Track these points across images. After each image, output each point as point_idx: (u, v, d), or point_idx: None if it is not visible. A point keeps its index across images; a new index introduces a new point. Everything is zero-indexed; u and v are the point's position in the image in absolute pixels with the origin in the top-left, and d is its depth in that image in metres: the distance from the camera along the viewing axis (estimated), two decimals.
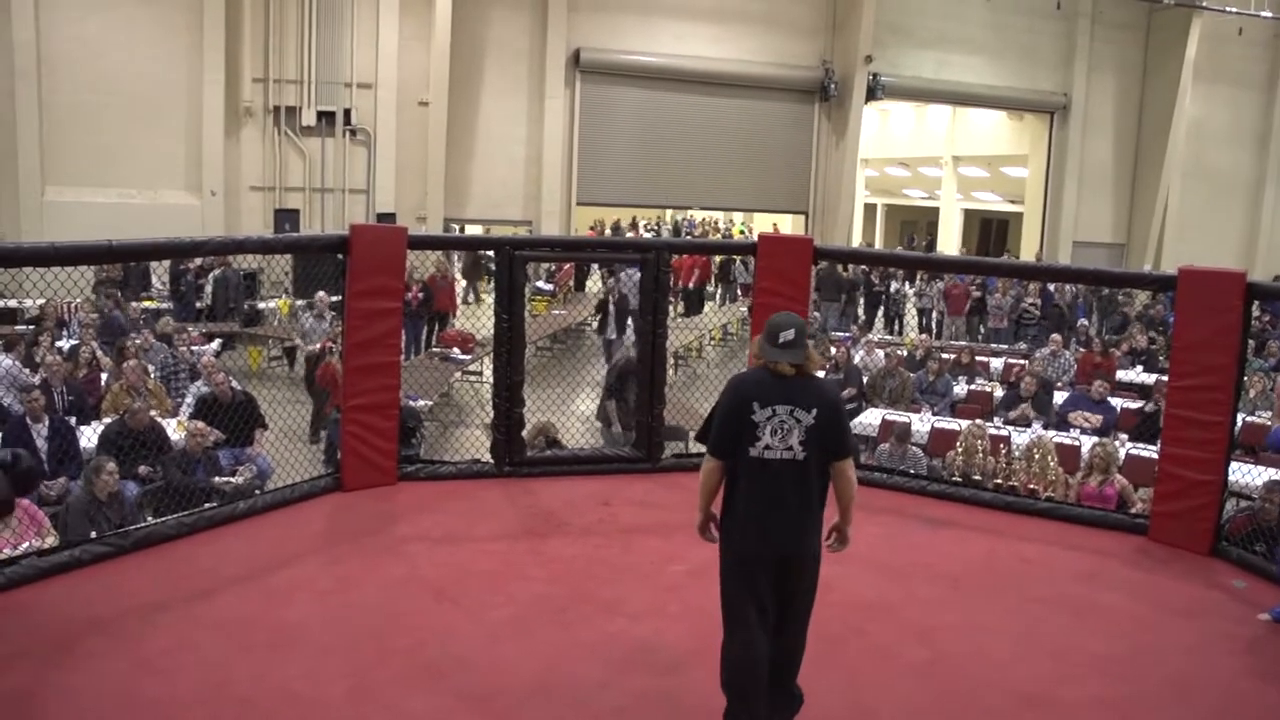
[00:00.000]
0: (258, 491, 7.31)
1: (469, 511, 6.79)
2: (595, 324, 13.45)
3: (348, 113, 19.29)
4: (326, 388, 9.96)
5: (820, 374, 4.20)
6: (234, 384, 9.07)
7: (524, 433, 7.67)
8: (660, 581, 5.74)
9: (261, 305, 16.57)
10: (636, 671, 4.71)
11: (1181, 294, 6.74)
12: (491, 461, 7.61)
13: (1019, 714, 4.52)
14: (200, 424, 7.97)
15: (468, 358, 13.25)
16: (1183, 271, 6.86)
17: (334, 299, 13.71)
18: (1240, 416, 8.00)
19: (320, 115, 19.14)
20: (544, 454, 7.96)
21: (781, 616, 4.05)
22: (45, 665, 4.54)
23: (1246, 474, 8.02)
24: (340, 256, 6.95)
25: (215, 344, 13.09)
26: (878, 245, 32.35)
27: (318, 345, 11.39)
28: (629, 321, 11.54)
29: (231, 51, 18.26)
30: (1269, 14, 24.21)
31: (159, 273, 16.73)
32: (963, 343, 15.82)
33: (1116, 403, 10.89)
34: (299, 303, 16.20)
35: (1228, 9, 23.79)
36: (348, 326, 6.99)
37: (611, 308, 14.09)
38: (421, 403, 10.11)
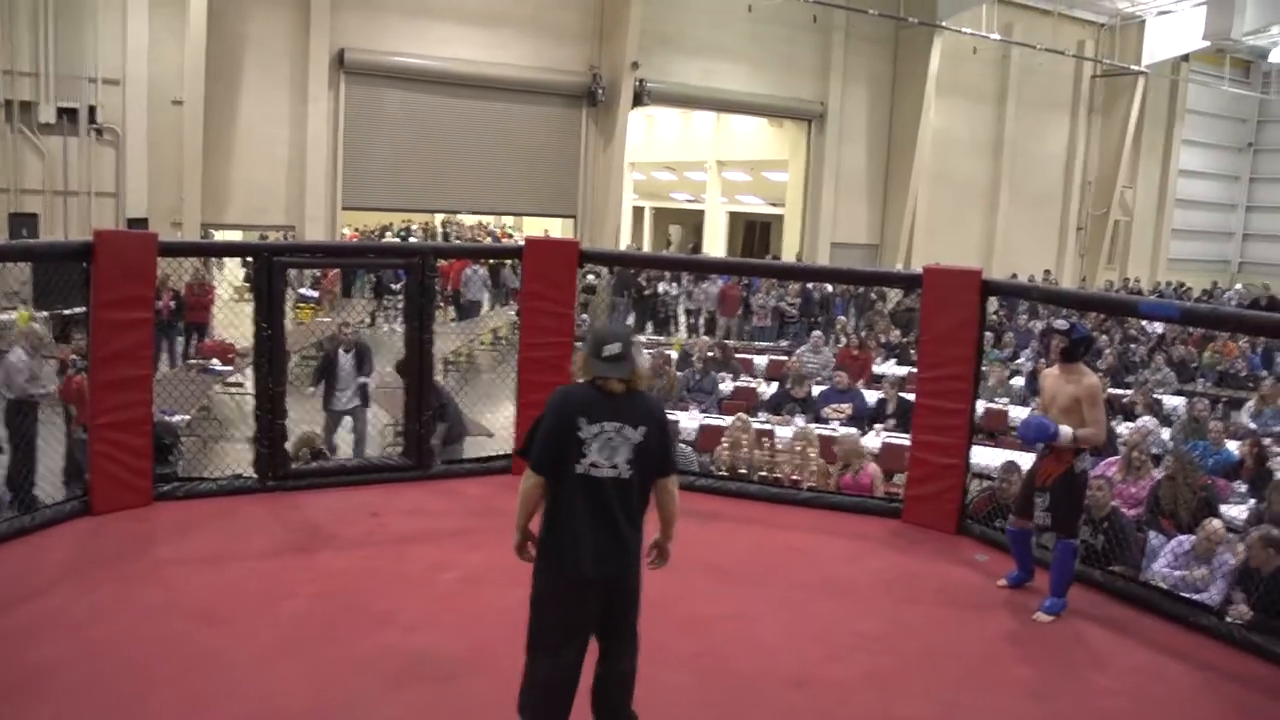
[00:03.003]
0: None
1: (232, 529, 6.52)
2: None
3: (92, 110, 18.09)
4: (71, 404, 9.35)
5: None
6: None
7: (288, 444, 7.45)
8: (433, 590, 5.68)
9: None
10: (412, 683, 4.66)
11: (926, 291, 7.21)
12: (255, 476, 7.35)
13: (788, 696, 4.74)
14: None
15: (228, 369, 12.72)
16: (927, 270, 7.34)
17: (78, 310, 12.91)
18: (980, 403, 8.61)
19: (61, 112, 17.87)
20: (309, 466, 7.75)
21: (611, 641, 3.96)
22: None
23: (986, 456, 8.65)
24: (85, 265, 6.56)
25: None
26: (646, 248, 32.95)
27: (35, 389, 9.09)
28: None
29: None
30: (997, 36, 26.34)
31: None
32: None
33: (870, 394, 11.50)
34: (39, 314, 15.16)
35: (963, 29, 25.63)
36: (94, 339, 6.58)
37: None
38: (178, 417, 9.64)
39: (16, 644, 4.88)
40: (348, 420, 10.10)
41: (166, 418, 8.55)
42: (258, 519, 6.74)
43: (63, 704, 4.38)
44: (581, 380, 3.91)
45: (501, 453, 8.06)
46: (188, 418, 10.28)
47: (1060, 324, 5.91)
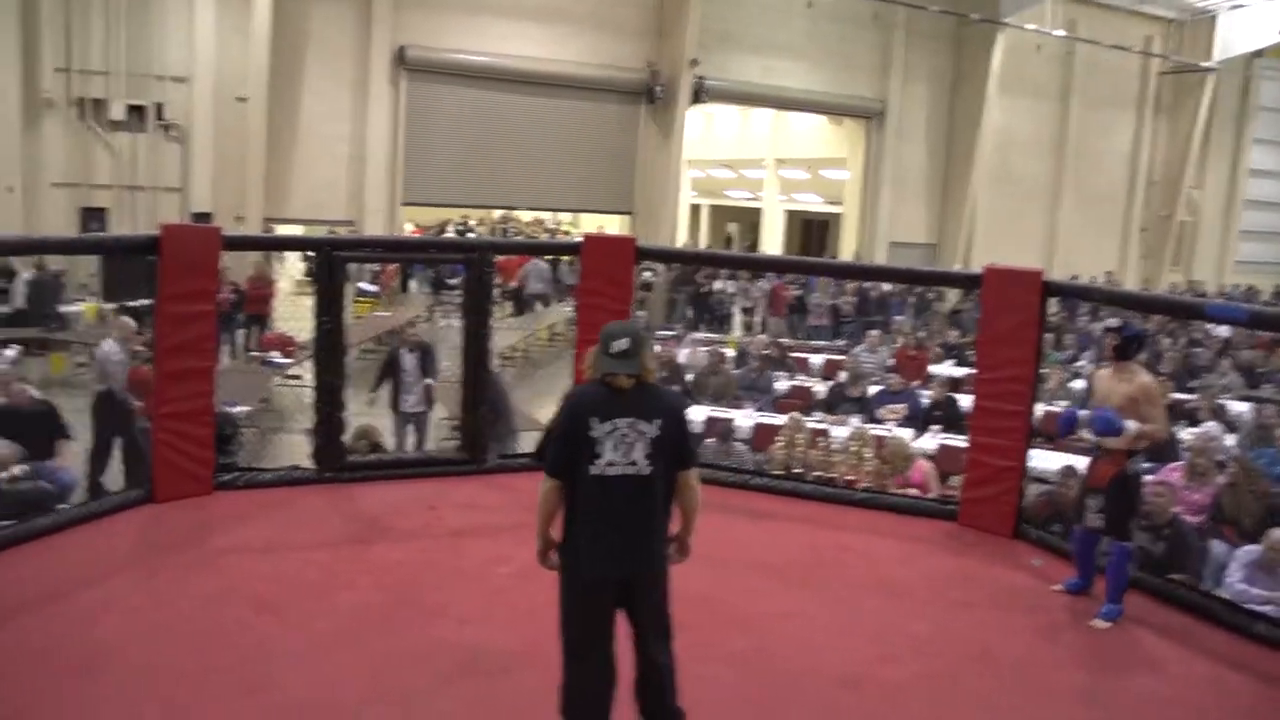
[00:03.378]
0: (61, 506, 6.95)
1: (290, 520, 6.63)
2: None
3: (160, 107, 18.42)
4: (136, 393, 9.53)
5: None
6: (33, 392, 8.59)
7: (346, 437, 7.54)
8: (488, 585, 5.73)
9: (65, 309, 15.73)
10: (465, 676, 4.70)
11: (985, 292, 7.14)
12: (313, 467, 7.45)
13: (838, 695, 4.72)
14: None
15: (288, 361, 12.90)
16: (987, 270, 7.26)
17: (144, 302, 13.16)
18: (1039, 406, 8.49)
19: (131, 109, 18.21)
20: (367, 458, 7.84)
21: (642, 637, 3.93)
22: None
23: (1045, 460, 8.53)
24: (151, 258, 6.69)
25: (12, 351, 12.37)
26: (703, 245, 32.88)
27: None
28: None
29: (28, 37, 17.19)
30: (1061, 32, 25.92)
31: None
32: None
33: (926, 395, 11.38)
34: (107, 307, 15.50)
35: (1026, 26, 25.24)
36: (158, 331, 6.73)
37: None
38: (239, 408, 9.80)
39: (83, 624, 5.03)
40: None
41: (228, 409, 8.68)
42: (315, 510, 6.84)
43: (124, 683, 4.50)
44: (592, 379, 3.89)
45: None
46: (248, 409, 10.45)
47: (1112, 322, 5.85)
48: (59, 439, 8.43)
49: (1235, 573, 6.32)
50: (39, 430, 8.20)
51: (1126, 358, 5.75)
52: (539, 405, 11.21)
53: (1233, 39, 28.78)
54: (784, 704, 4.62)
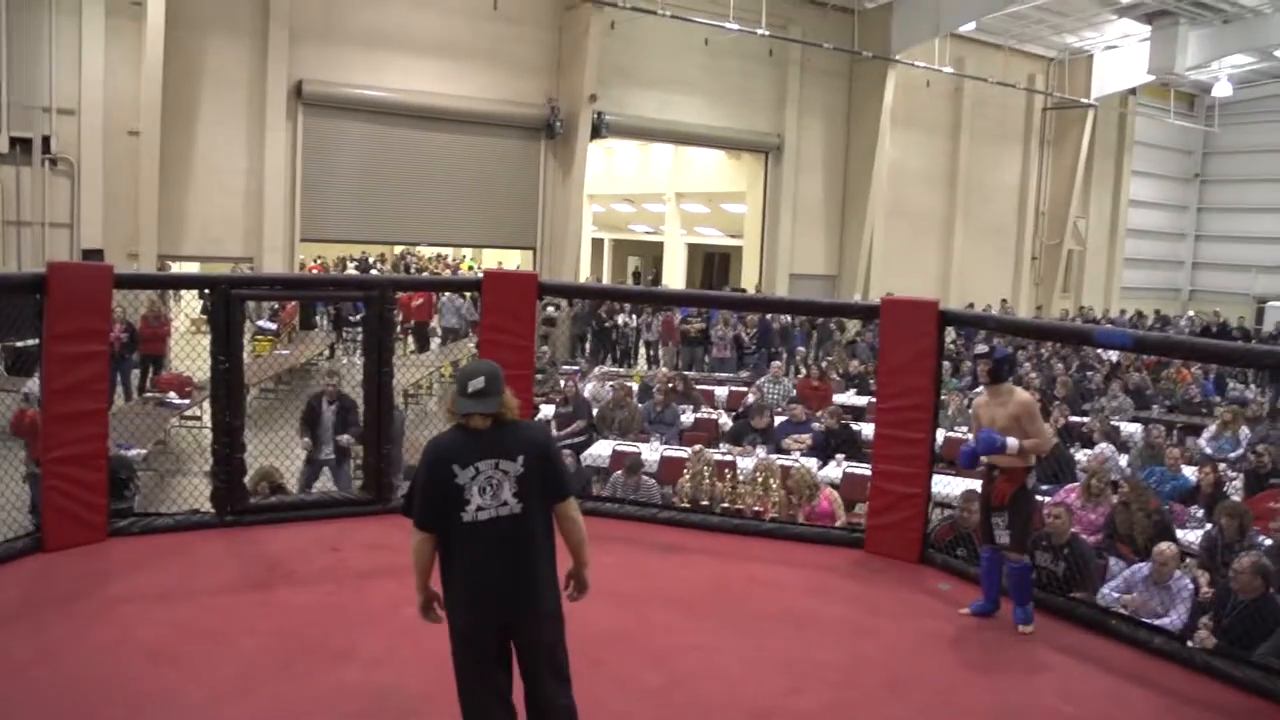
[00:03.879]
0: None
1: (188, 566, 6.42)
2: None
3: (47, 140, 17.86)
4: (23, 437, 9.18)
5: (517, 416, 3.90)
6: None
7: (246, 479, 7.35)
8: (394, 626, 5.60)
9: None
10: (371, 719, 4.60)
11: (884, 322, 7.27)
12: (213, 511, 7.24)
13: None
14: None
15: (185, 402, 12.55)
16: (885, 301, 7.40)
17: (31, 343, 12.70)
18: (940, 432, 8.66)
19: (14, 141, 17.61)
20: (268, 500, 7.65)
21: (536, 682, 3.83)
22: None
23: (947, 485, 8.69)
24: (38, 297, 6.46)
25: None
26: (606, 279, 32.98)
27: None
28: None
29: None
30: (949, 69, 26.79)
31: None
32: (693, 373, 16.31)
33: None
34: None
35: (916, 63, 26.00)
36: (46, 372, 6.49)
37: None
38: (134, 451, 9.49)
39: None
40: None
41: (122, 452, 8.41)
42: (215, 555, 6.65)
43: None
44: (451, 423, 3.80)
45: None
46: (144, 451, 10.13)
47: (981, 348, 6.04)
48: None
49: (1111, 583, 6.59)
50: None
51: (1000, 380, 5.95)
52: None
53: (1108, 77, 30.11)
54: None
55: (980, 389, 6.19)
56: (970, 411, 12.06)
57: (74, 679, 4.88)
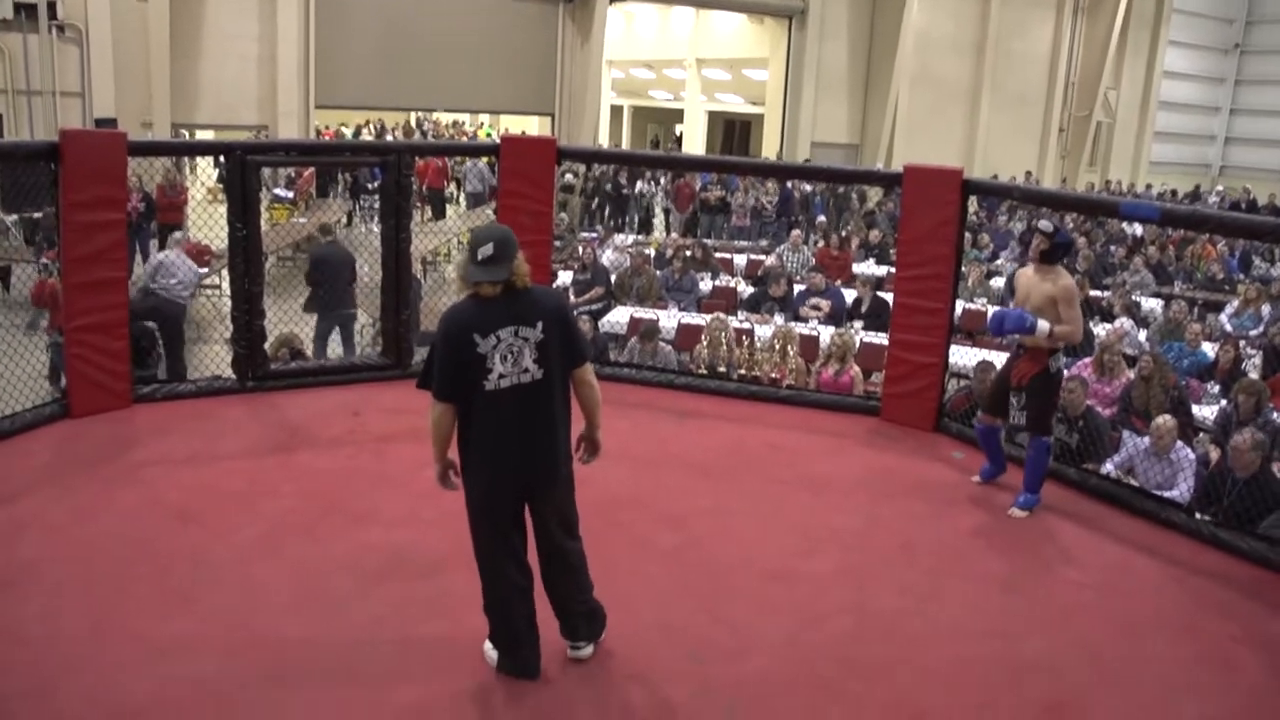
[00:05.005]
0: None
1: (211, 430, 6.52)
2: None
3: (52, 6, 17.53)
4: (44, 307, 9.27)
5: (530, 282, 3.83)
6: None
7: (266, 345, 7.42)
8: (414, 488, 5.70)
9: None
10: (393, 579, 4.71)
11: (907, 190, 7.17)
12: (234, 377, 7.33)
13: (765, 588, 4.81)
14: None
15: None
16: (908, 169, 7.29)
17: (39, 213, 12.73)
18: (959, 303, 8.63)
19: (18, 8, 17.30)
20: (288, 366, 7.73)
21: (547, 532, 3.90)
22: None
23: (964, 356, 8.71)
24: (51, 165, 6.43)
25: None
26: (625, 146, 32.57)
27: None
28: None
29: None
30: None
31: None
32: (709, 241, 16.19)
33: (849, 292, 11.49)
34: (7, 218, 14.93)
35: None
36: (64, 241, 6.49)
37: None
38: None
39: (3, 543, 4.92)
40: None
41: (144, 320, 8.48)
42: (237, 420, 6.75)
43: (48, 600, 4.43)
44: (465, 292, 3.75)
45: None
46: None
47: (1045, 225, 5.87)
48: None
49: (1115, 458, 6.71)
50: None
51: (1053, 261, 5.82)
52: None
53: None
54: (719, 597, 4.70)
55: (1028, 264, 6.05)
56: (1001, 285, 12.26)
57: (107, 538, 5.02)
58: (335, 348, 9.78)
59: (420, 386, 3.83)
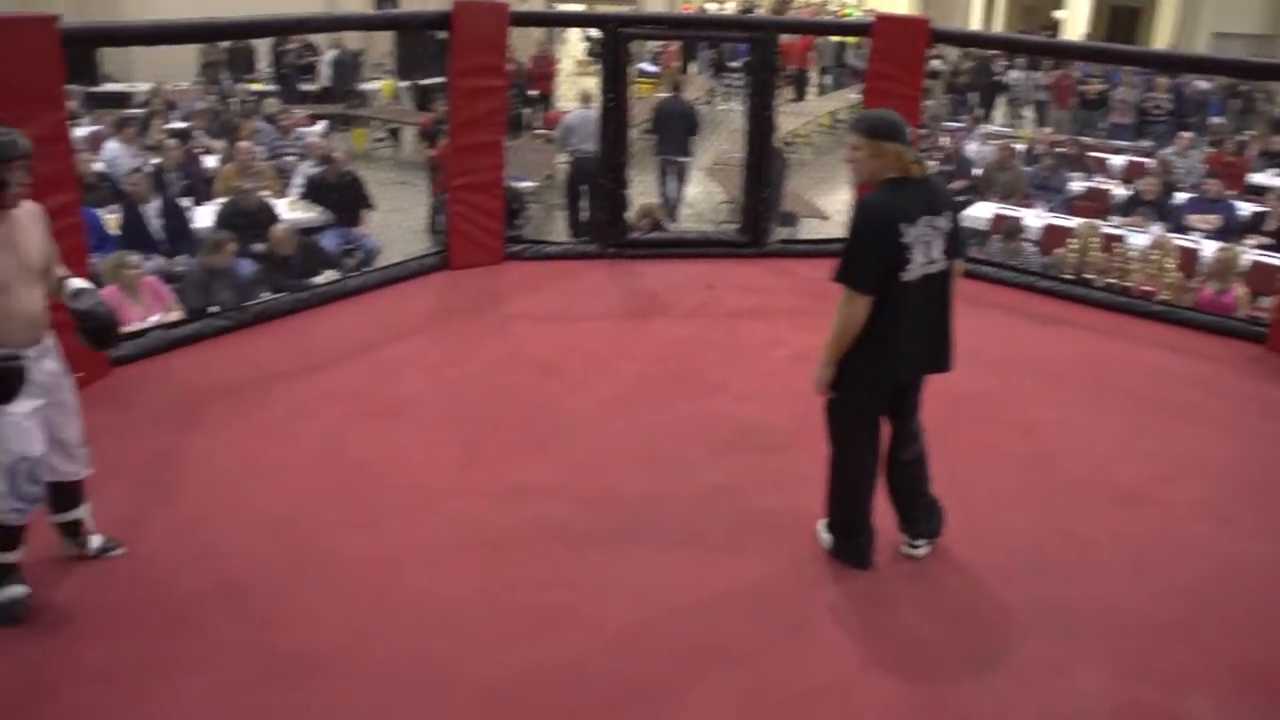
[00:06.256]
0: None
1: (573, 291, 6.84)
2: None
3: None
4: (440, 168, 10.00)
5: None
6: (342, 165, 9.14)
7: (628, 214, 7.63)
8: (763, 365, 5.75)
9: (364, 87, 16.50)
10: (739, 450, 4.78)
11: None
12: (595, 243, 7.61)
13: (1114, 510, 4.47)
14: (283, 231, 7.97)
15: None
16: None
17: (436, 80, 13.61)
18: None
19: None
20: (648, 235, 7.92)
21: (904, 431, 3.87)
22: (179, 429, 4.78)
23: None
24: (442, 34, 6.81)
25: (321, 125, 13.15)
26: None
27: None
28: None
29: None
30: None
31: (264, 54, 16.75)
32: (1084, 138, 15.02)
33: (1246, 206, 10.33)
34: (401, 84, 16.12)
35: None
36: (452, 105, 6.91)
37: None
38: (525, 184, 10.08)
39: (388, 376, 5.45)
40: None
41: (514, 184, 8.95)
42: (597, 283, 7.02)
43: (424, 431, 4.88)
44: (889, 178, 3.58)
45: (835, 236, 7.88)
46: (534, 184, 10.75)
47: None
48: (364, 208, 9.01)
49: None
50: (347, 200, 8.74)
51: None
52: (821, 193, 10.98)
53: None
54: (1063, 511, 4.42)
55: None
56: None
57: (476, 383, 5.42)
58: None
59: (838, 280, 3.63)
